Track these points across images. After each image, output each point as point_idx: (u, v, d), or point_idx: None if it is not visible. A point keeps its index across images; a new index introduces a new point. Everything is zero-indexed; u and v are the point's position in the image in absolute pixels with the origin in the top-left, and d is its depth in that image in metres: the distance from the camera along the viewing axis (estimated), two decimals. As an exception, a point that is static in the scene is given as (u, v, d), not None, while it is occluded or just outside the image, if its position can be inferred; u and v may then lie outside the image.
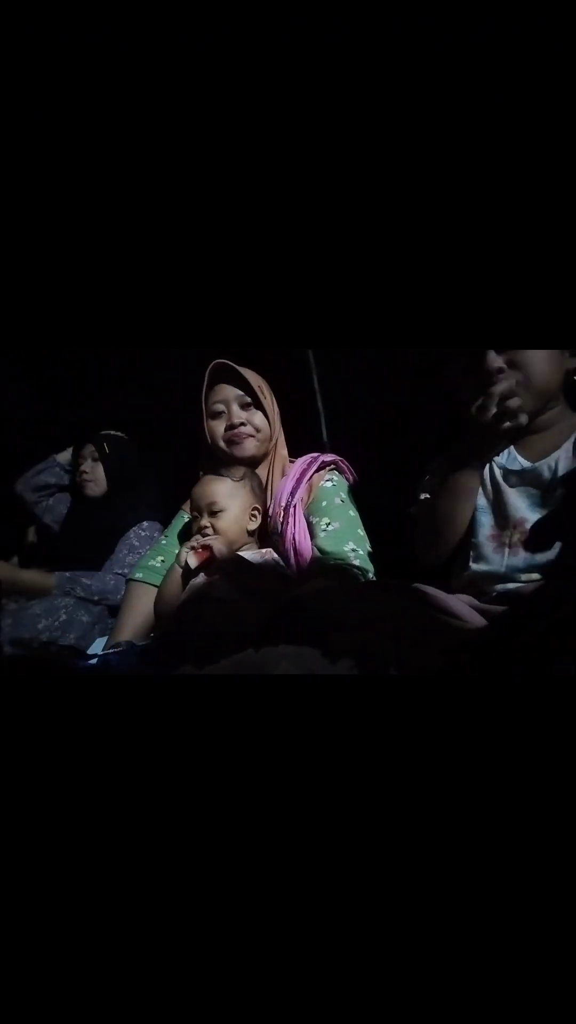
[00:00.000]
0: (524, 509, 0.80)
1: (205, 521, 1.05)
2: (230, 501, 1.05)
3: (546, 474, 0.79)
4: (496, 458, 0.84)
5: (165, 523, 1.33)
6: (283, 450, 1.14)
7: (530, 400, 0.77)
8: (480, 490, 0.84)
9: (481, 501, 0.84)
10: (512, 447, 0.84)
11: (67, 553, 1.34)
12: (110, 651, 0.95)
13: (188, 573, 1.06)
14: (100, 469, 1.45)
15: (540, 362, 0.77)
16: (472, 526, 0.85)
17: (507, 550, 0.81)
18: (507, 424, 0.78)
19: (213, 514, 1.04)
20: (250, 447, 1.07)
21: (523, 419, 0.76)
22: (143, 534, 1.37)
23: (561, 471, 0.78)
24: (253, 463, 1.09)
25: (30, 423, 1.59)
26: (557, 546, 0.74)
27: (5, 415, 1.56)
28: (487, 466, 0.84)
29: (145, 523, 1.39)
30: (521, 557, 0.80)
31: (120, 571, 1.28)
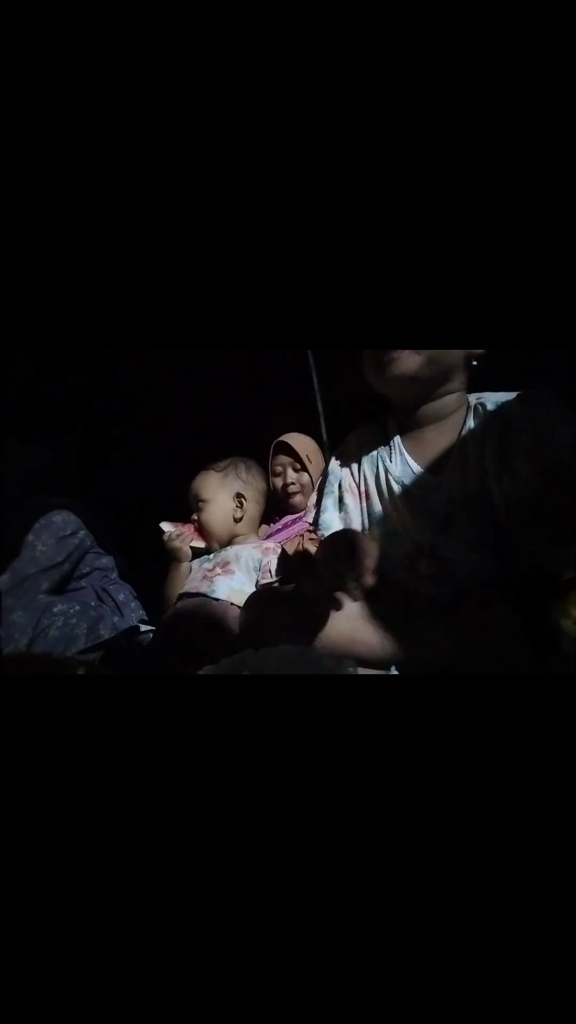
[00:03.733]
0: (431, 534, 0.72)
1: (195, 515, 1.06)
2: (214, 492, 1.05)
3: (447, 492, 0.72)
4: (388, 463, 0.77)
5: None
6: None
7: (426, 368, 0.71)
8: (379, 507, 0.77)
9: (381, 527, 0.76)
10: (401, 443, 0.77)
11: None
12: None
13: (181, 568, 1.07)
14: None
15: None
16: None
17: (428, 580, 0.73)
18: (393, 392, 0.74)
19: (200, 507, 1.05)
20: (299, 502, 1.27)
21: (412, 386, 0.72)
22: (38, 524, 1.29)
23: (461, 488, 0.71)
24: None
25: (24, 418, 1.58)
26: (475, 568, 0.70)
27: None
28: (380, 475, 0.78)
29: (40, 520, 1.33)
30: (448, 585, 0.72)
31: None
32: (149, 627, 1.22)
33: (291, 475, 1.28)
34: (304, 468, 1.31)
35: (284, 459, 1.31)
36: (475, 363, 0.75)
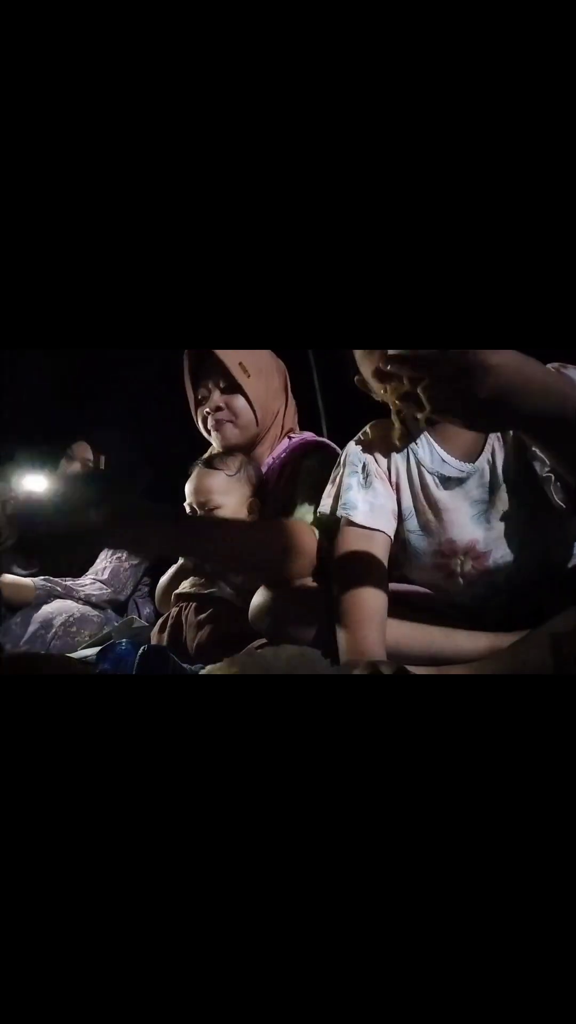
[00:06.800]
0: (470, 527, 0.70)
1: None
2: (225, 497, 1.02)
3: (487, 477, 0.68)
4: (418, 455, 0.72)
5: None
6: (278, 430, 1.05)
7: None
8: (410, 502, 0.73)
9: (411, 522, 0.73)
10: (431, 440, 0.72)
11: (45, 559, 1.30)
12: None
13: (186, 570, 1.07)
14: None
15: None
16: (405, 554, 0.75)
17: (461, 580, 0.71)
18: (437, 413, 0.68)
19: (209, 512, 1.02)
20: (231, 435, 1.00)
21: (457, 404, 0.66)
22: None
23: (502, 469, 0.67)
24: (242, 449, 1.02)
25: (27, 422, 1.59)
26: (519, 563, 0.68)
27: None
28: (412, 469, 0.73)
29: None
30: (482, 584, 0.70)
31: (96, 576, 1.28)
32: (144, 624, 1.22)
33: (217, 397, 0.98)
34: (236, 388, 0.96)
35: (208, 381, 0.99)
36: None
